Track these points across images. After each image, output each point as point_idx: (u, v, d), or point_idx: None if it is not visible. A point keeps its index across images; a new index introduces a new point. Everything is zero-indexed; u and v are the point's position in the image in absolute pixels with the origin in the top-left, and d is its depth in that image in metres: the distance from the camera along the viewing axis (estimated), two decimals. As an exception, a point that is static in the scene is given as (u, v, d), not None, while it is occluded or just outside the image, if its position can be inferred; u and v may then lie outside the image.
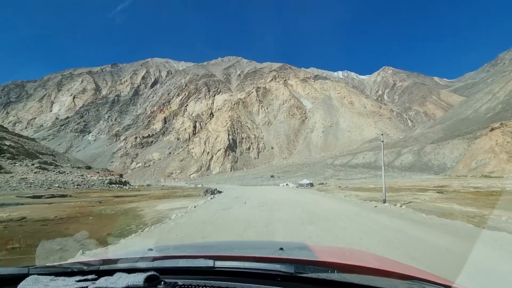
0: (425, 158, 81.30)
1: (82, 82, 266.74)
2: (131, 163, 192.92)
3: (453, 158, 75.34)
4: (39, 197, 24.87)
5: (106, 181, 44.11)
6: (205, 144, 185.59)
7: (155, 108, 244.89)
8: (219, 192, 27.32)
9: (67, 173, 48.39)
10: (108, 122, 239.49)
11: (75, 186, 36.01)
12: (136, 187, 56.08)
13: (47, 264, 1.29)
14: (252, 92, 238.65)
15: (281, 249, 1.49)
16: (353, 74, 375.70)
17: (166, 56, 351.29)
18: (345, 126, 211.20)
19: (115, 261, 1.30)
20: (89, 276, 1.05)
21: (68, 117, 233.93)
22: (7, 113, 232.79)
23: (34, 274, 1.06)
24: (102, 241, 7.49)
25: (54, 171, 47.81)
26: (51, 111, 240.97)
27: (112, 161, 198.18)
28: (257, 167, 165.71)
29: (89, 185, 38.99)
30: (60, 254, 5.33)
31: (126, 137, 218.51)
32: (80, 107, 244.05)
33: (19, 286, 0.97)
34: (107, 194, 27.99)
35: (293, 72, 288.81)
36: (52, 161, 56.70)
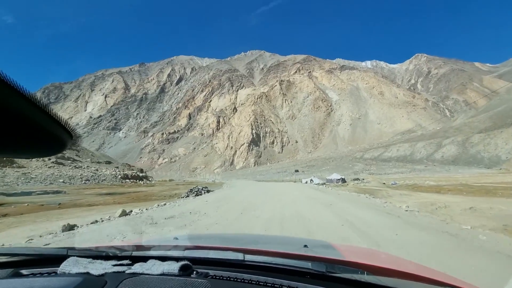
0: (472, 150, 70.29)
1: (112, 81, 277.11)
2: (158, 159, 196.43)
3: (508, 150, 64.07)
4: (29, 193, 22.26)
5: (119, 176, 41.43)
6: (228, 139, 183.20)
7: (180, 104, 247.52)
8: (207, 191, 20.33)
9: (83, 168, 46.67)
10: (136, 119, 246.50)
11: (83, 182, 33.45)
12: (153, 182, 53.36)
13: (84, 247, 1.32)
14: (276, 86, 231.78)
15: (306, 246, 1.47)
16: (382, 63, 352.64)
17: (190, 54, 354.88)
18: (375, 118, 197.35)
19: (148, 248, 1.31)
20: (124, 261, 1.07)
21: (100, 116, 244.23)
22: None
23: (73, 255, 1.09)
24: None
25: (70, 165, 46.35)
26: (85, 110, 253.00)
27: (141, 157, 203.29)
28: (281, 161, 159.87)
29: (99, 180, 36.40)
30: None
31: (154, 133, 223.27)
32: (111, 106, 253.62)
33: (61, 265, 1.00)
34: (103, 190, 24.66)
35: (318, 64, 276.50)
36: (71, 156, 55.80)
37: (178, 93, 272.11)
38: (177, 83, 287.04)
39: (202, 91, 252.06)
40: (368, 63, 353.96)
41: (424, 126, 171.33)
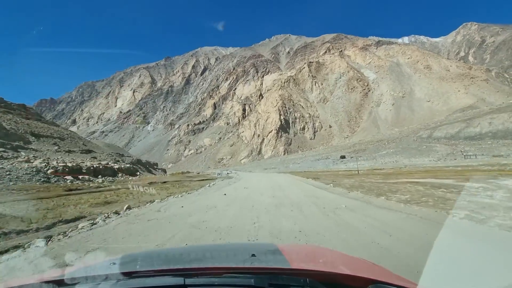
0: None
1: (140, 77, 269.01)
2: (184, 150, 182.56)
3: None
4: None
5: (48, 170, 22.16)
6: (255, 126, 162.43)
7: (205, 95, 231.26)
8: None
9: (13, 159, 28.46)
10: (163, 112, 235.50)
11: None
12: (127, 179, 33.68)
13: None
14: (304, 68, 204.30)
15: (253, 255, 1.36)
16: (422, 38, 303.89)
17: (214, 44, 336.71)
18: (422, 95, 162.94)
19: (72, 283, 1.03)
20: None
21: (129, 110, 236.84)
22: (82, 110, 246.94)
23: None
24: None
25: (12, 157, 28.45)
26: (115, 105, 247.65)
27: (168, 149, 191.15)
28: (315, 148, 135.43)
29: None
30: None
31: (180, 125, 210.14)
32: (139, 100, 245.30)
33: None
34: None
35: (350, 41, 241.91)
36: (24, 146, 38.40)
37: (202, 84, 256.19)
38: (202, 73, 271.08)
39: (226, 79, 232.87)
40: (406, 39, 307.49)
41: (490, 100, 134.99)
